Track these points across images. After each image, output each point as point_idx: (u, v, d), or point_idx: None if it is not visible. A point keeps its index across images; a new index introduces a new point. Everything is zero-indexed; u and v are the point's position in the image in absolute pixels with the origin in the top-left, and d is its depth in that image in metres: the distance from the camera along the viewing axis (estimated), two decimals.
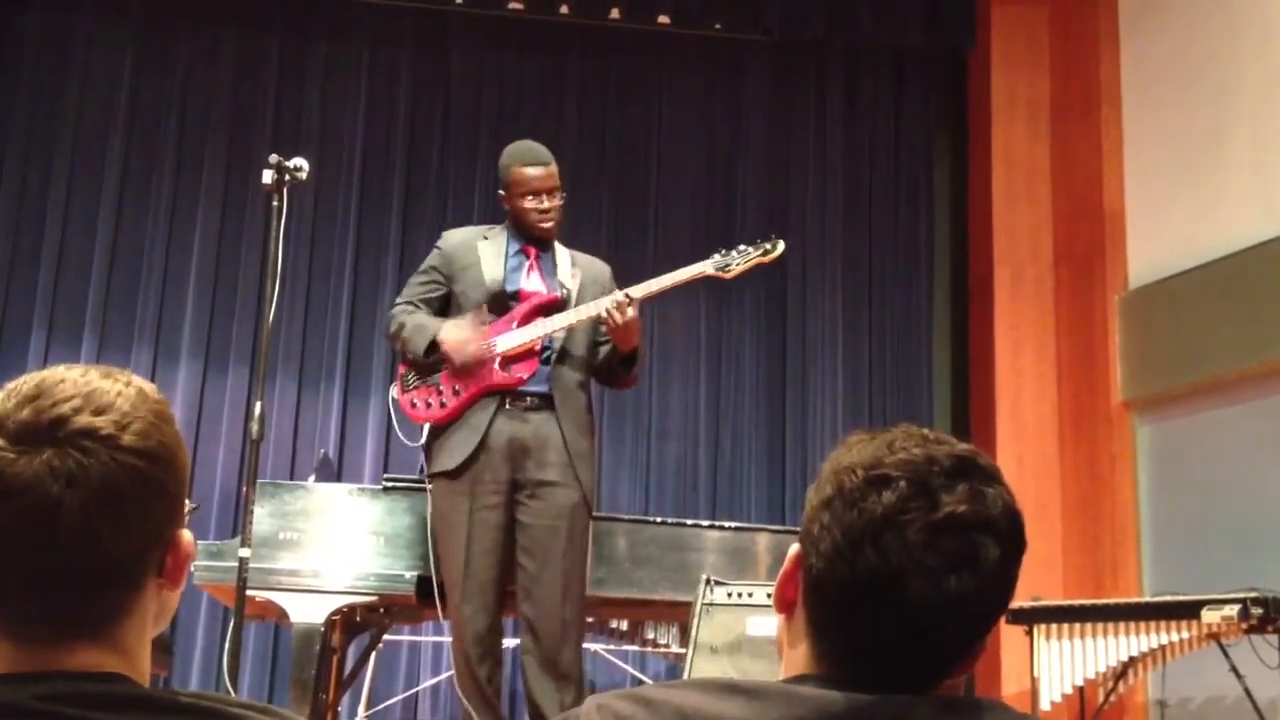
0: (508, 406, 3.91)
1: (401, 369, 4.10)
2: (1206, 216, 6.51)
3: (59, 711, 1.04)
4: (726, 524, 5.19)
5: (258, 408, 3.78)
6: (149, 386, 1.17)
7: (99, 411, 1.11)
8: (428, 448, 4.00)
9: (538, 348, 3.95)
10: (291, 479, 6.48)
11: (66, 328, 7.18)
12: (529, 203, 4.05)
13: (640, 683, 6.42)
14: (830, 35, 7.94)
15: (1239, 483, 6.19)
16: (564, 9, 7.70)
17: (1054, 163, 7.63)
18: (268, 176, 3.85)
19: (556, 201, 4.08)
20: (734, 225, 7.86)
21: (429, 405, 3.96)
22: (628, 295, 3.88)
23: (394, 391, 4.08)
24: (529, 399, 3.92)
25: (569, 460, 3.90)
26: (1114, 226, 7.07)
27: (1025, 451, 7.28)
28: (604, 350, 4.12)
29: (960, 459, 1.18)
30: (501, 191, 4.13)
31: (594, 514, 4.13)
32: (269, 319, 3.86)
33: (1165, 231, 6.79)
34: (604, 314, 3.89)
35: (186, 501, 1.19)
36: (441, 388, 3.95)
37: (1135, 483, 6.78)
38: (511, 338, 3.93)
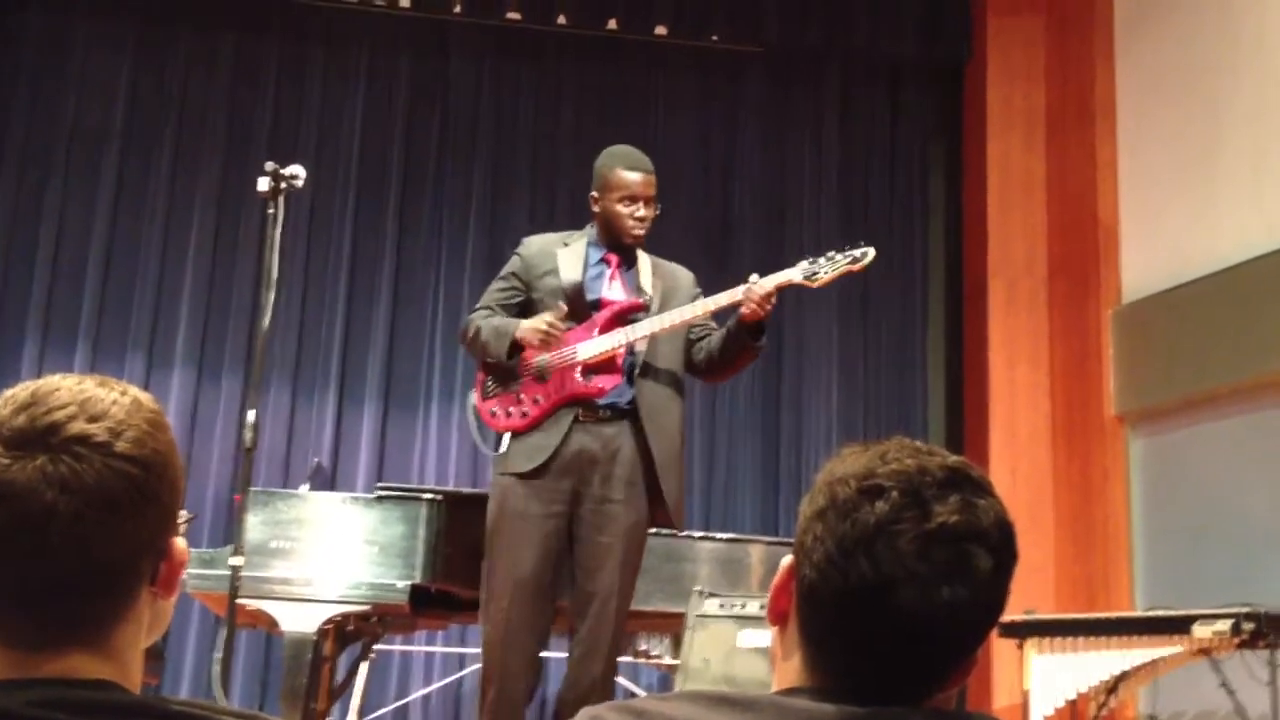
0: (582, 419, 3.84)
1: (481, 375, 3.98)
2: (1201, 230, 6.53)
3: (50, 718, 1.04)
4: (719, 535, 5.20)
5: (251, 416, 3.77)
6: (145, 396, 1.17)
7: (94, 419, 1.11)
8: (505, 451, 3.88)
9: (620, 359, 3.88)
10: (285, 487, 6.47)
11: (60, 334, 7.17)
12: (625, 207, 3.93)
13: (632, 694, 6.41)
14: (827, 46, 7.96)
15: (1231, 497, 6.20)
16: (561, 19, 7.72)
17: (1049, 175, 7.64)
18: (264, 184, 3.85)
19: (651, 212, 3.99)
20: (730, 235, 7.88)
21: (509, 414, 3.86)
22: (767, 291, 3.76)
23: (473, 398, 3.98)
24: (604, 411, 3.84)
25: (638, 477, 3.83)
26: (1108, 239, 7.08)
27: (1018, 463, 7.29)
28: (711, 342, 3.99)
29: (952, 470, 1.18)
30: (595, 193, 3.99)
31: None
32: (264, 327, 3.85)
33: (1159, 245, 6.80)
34: (745, 298, 3.77)
35: (183, 512, 1.19)
36: (522, 396, 3.86)
37: (1128, 495, 6.79)
38: (593, 345, 3.83)
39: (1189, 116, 6.68)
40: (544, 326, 3.79)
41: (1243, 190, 6.31)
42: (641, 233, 3.96)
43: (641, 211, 3.94)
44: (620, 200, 3.93)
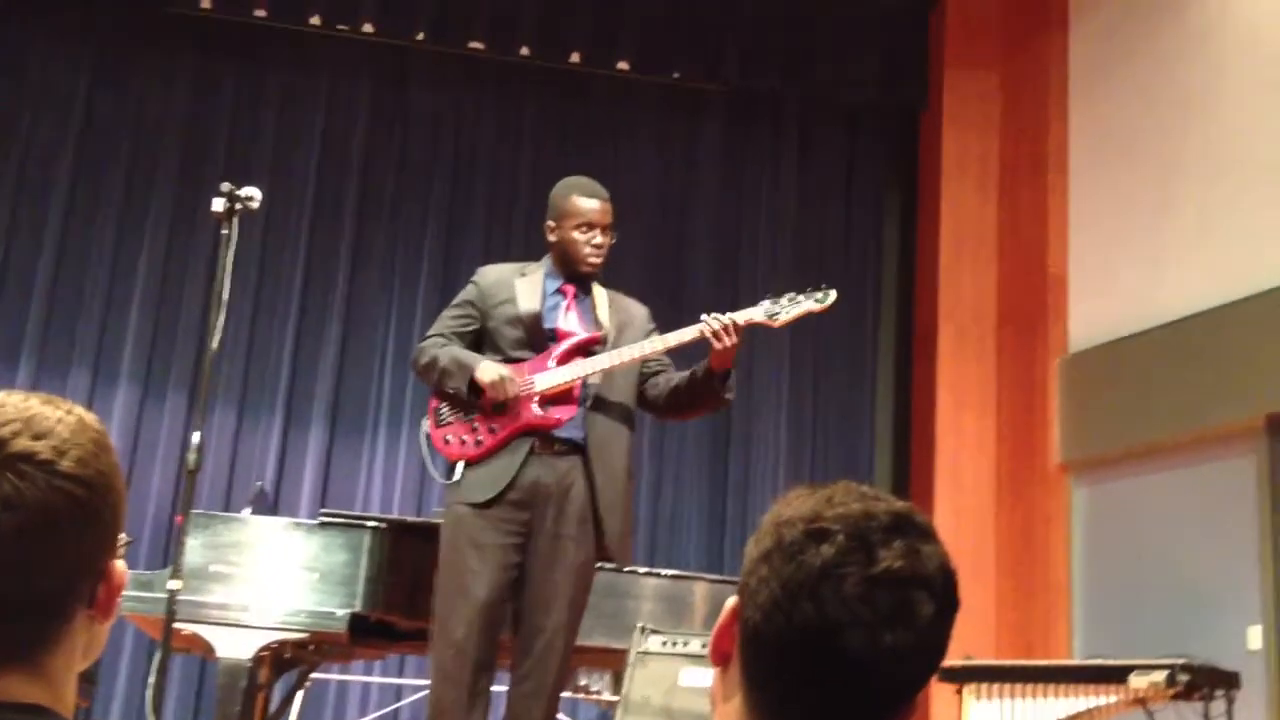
0: (538, 450, 3.81)
1: (434, 402, 3.95)
2: (1147, 284, 6.63)
3: None
4: (664, 571, 5.18)
5: (196, 437, 3.72)
6: (89, 416, 1.16)
7: (38, 436, 1.10)
8: (459, 480, 3.84)
9: (577, 391, 3.84)
10: (226, 510, 6.40)
11: (4, 347, 7.08)
12: (582, 234, 3.91)
13: None
14: (786, 89, 8.05)
15: (1170, 549, 6.27)
16: (524, 50, 7.74)
17: (1001, 224, 7.74)
18: (218, 204, 3.81)
19: (610, 239, 3.98)
20: (685, 272, 7.91)
21: (463, 442, 3.82)
22: (733, 321, 3.76)
23: (426, 426, 3.94)
24: (559, 444, 3.81)
25: (589, 513, 3.81)
26: (1057, 290, 7.17)
27: (963, 508, 7.34)
28: (669, 379, 3.96)
29: (898, 515, 1.19)
30: (551, 223, 3.97)
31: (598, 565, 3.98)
32: (212, 348, 3.81)
33: (1107, 297, 6.90)
34: (709, 335, 3.76)
35: (121, 535, 1.17)
36: (476, 424, 3.82)
37: (1069, 544, 6.85)
38: (550, 377, 3.79)
39: (1139, 172, 6.79)
40: (504, 383, 3.75)
41: (1189, 246, 6.41)
42: (598, 260, 3.95)
43: (598, 239, 3.92)
44: (577, 228, 3.92)
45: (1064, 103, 7.40)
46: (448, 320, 4.00)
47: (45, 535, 1.08)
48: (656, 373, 4.00)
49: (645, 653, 4.16)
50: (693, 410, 4.05)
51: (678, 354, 3.95)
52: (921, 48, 8.19)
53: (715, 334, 3.72)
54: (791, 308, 3.84)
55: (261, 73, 7.69)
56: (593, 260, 3.93)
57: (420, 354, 3.95)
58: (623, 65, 7.86)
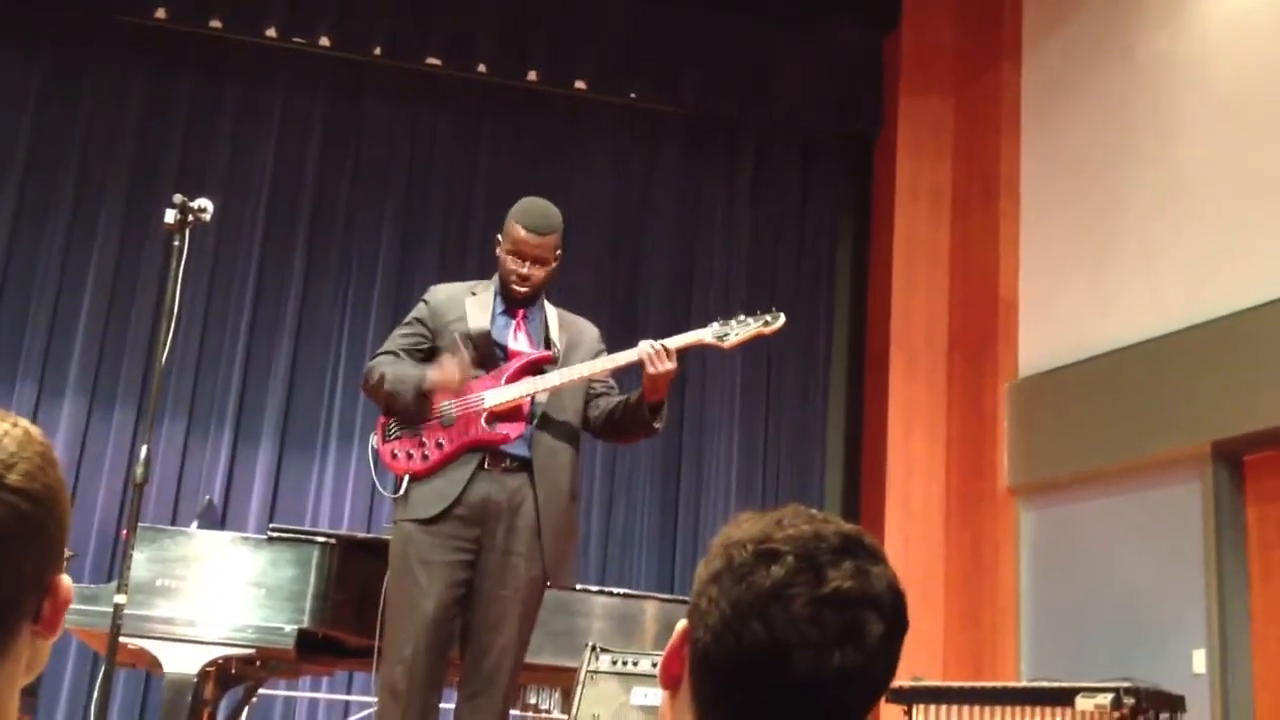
0: (486, 466, 3.80)
1: (383, 419, 3.93)
2: (1096, 311, 6.71)
3: None
4: (614, 590, 5.18)
5: (143, 451, 3.68)
6: (35, 429, 1.15)
7: None
8: (405, 494, 3.83)
9: (526, 409, 3.83)
10: (173, 524, 6.33)
11: None
12: (510, 262, 3.92)
13: None
14: (743, 113, 8.09)
15: (1116, 573, 6.34)
16: (481, 67, 7.75)
17: (953, 250, 7.82)
18: (170, 216, 3.78)
19: (537, 272, 3.93)
20: (639, 293, 7.93)
21: (410, 456, 3.81)
22: (665, 347, 3.77)
23: (374, 441, 3.91)
24: (508, 461, 3.79)
25: (537, 530, 3.81)
26: (1007, 315, 7.25)
27: (912, 531, 7.39)
28: (609, 401, 3.96)
29: (847, 537, 1.20)
30: (499, 237, 3.96)
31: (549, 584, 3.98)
32: (161, 360, 3.77)
33: (1056, 323, 6.98)
34: (643, 359, 3.76)
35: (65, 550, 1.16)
36: (425, 439, 3.80)
37: (1016, 567, 6.90)
38: (500, 393, 3.78)
39: (1089, 201, 6.88)
40: (447, 368, 3.75)
41: (1136, 275, 6.50)
42: (523, 290, 3.92)
43: (525, 269, 3.91)
44: (508, 253, 3.92)
45: (1016, 131, 7.49)
46: (398, 339, 3.99)
47: None
48: (600, 394, 4.00)
49: (595, 671, 4.15)
50: (624, 436, 4.05)
51: (624, 376, 3.95)
52: (876, 76, 8.28)
53: (649, 358, 3.73)
54: (740, 329, 3.86)
55: (216, 84, 7.64)
56: (515, 288, 3.91)
57: (369, 373, 3.93)
58: (580, 85, 7.88)
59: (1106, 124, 6.86)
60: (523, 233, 3.91)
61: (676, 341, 3.82)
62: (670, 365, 3.77)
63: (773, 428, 7.95)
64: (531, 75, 7.82)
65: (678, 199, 8.14)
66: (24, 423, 1.14)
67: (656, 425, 3.91)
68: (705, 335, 3.87)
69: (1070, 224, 7.00)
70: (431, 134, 7.88)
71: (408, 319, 4.03)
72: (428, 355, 3.93)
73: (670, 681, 1.24)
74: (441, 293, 4.03)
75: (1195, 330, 6.05)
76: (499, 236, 3.97)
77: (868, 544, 1.21)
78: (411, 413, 3.80)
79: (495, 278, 4.03)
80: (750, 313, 3.92)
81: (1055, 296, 7.02)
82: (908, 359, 7.71)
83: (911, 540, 7.34)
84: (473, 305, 3.94)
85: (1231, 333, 5.84)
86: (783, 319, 3.88)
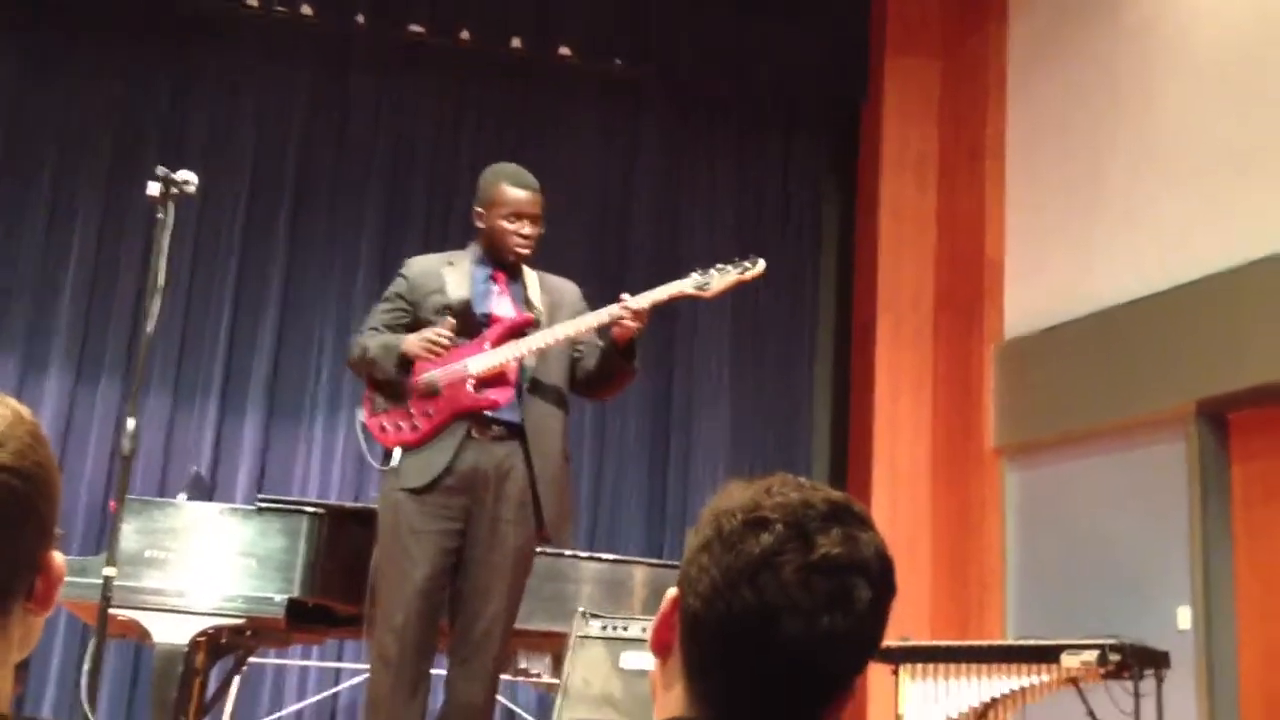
0: (474, 434, 3.81)
1: (369, 391, 3.94)
2: (1081, 272, 6.73)
3: None
4: (604, 556, 5.20)
5: (131, 423, 3.68)
6: (24, 409, 1.15)
7: None
8: (395, 466, 3.82)
9: (512, 374, 3.83)
10: (161, 496, 6.33)
11: None
12: (510, 224, 3.90)
13: (512, 714, 6.39)
14: (728, 78, 8.06)
15: (1102, 531, 6.38)
16: (465, 34, 7.69)
17: (940, 213, 7.82)
18: (153, 188, 3.76)
19: (539, 230, 3.97)
20: (625, 259, 7.92)
21: (399, 428, 3.81)
22: (642, 305, 3.78)
23: (362, 415, 3.90)
24: (496, 427, 3.80)
25: (529, 497, 3.81)
26: (993, 277, 7.26)
27: (899, 492, 7.43)
28: (587, 362, 3.99)
29: (835, 504, 1.21)
30: (479, 209, 3.95)
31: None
32: (148, 333, 3.76)
33: (1042, 285, 6.99)
34: (615, 314, 3.77)
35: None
36: (412, 410, 3.80)
37: (1003, 527, 6.95)
38: (484, 359, 3.79)
39: (1074, 163, 6.89)
40: (431, 337, 3.77)
41: (1120, 236, 6.52)
42: (526, 251, 3.95)
43: (527, 229, 3.92)
44: (506, 217, 3.91)
45: (1002, 94, 7.48)
46: (379, 315, 3.99)
47: None
48: (585, 355, 4.02)
49: (585, 636, 4.18)
50: (606, 385, 4.08)
51: (606, 333, 3.97)
52: (862, 39, 8.24)
53: (631, 316, 3.75)
54: (721, 277, 3.88)
55: (198, 55, 7.58)
56: (520, 250, 3.93)
57: (353, 347, 3.95)
58: (564, 51, 7.84)
59: (1092, 87, 6.86)
60: (521, 193, 3.93)
61: (658, 294, 3.84)
62: (642, 324, 3.79)
63: (760, 392, 7.97)
64: (515, 42, 7.77)
65: (663, 165, 8.12)
66: (12, 402, 1.14)
67: (632, 365, 3.94)
68: (686, 286, 3.88)
69: (1056, 186, 7.01)
70: (415, 105, 7.84)
71: (387, 294, 4.03)
72: (410, 329, 3.93)
73: (661, 648, 1.25)
74: (418, 265, 4.03)
75: (1180, 290, 6.07)
76: (479, 209, 3.96)
77: (856, 511, 1.22)
78: (394, 380, 3.81)
79: (471, 247, 4.03)
80: (730, 261, 3.93)
81: (1041, 259, 7.04)
82: (894, 322, 7.73)
83: (899, 501, 7.38)
84: (451, 275, 3.94)
85: (1216, 292, 5.87)
86: (762, 264, 3.89)
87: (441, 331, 3.77)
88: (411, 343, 3.78)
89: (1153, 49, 6.52)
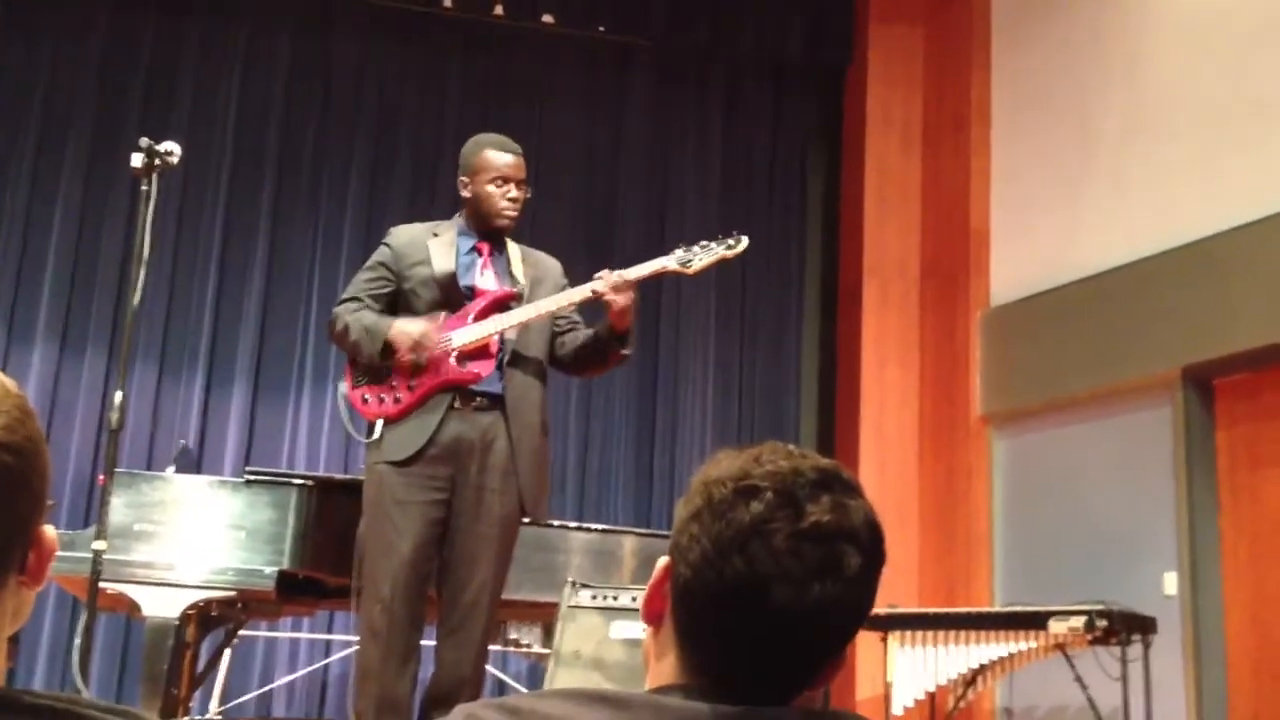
0: (457, 406, 3.81)
1: (351, 363, 3.94)
2: (1066, 239, 6.73)
3: None
4: (593, 526, 5.21)
5: (118, 397, 3.67)
6: (10, 382, 1.14)
7: None
8: (378, 438, 3.83)
9: (494, 347, 3.84)
10: (149, 469, 6.32)
11: None
12: (497, 188, 3.91)
13: (503, 683, 6.41)
14: (712, 43, 8.03)
15: (1087, 498, 6.41)
16: (448, 1, 7.65)
17: (925, 180, 7.81)
18: (137, 160, 3.74)
19: (524, 194, 3.98)
20: (612, 227, 7.90)
21: (381, 400, 3.81)
22: (623, 278, 3.79)
23: (343, 387, 3.90)
24: (479, 399, 3.81)
25: (512, 466, 3.83)
26: (979, 244, 7.26)
27: (886, 460, 7.45)
28: (576, 337, 4.00)
29: (824, 472, 1.22)
30: (464, 178, 3.95)
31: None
32: (133, 305, 3.75)
33: (1028, 252, 7.00)
34: (601, 293, 3.77)
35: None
36: (394, 382, 3.80)
37: (990, 494, 6.98)
38: (468, 332, 3.79)
39: (1060, 129, 6.88)
40: (418, 337, 3.76)
41: (1106, 203, 6.52)
42: (514, 214, 3.95)
43: (513, 193, 3.94)
44: (491, 181, 3.92)
45: (986, 59, 7.46)
46: (362, 283, 3.98)
47: None
48: (566, 330, 4.03)
49: (576, 606, 4.19)
50: (596, 367, 4.09)
51: (588, 309, 3.97)
52: (847, 4, 8.22)
53: (611, 290, 3.76)
54: (704, 255, 3.89)
55: (179, 23, 7.52)
56: (508, 214, 3.94)
57: (335, 320, 3.93)
58: (547, 18, 7.80)
59: (1077, 51, 6.84)
60: (505, 157, 3.94)
61: (640, 270, 3.85)
62: (631, 296, 3.79)
63: (747, 360, 7.97)
64: (498, 9, 7.73)
65: (648, 132, 8.09)
66: (0, 376, 1.14)
67: (626, 352, 3.95)
68: (669, 262, 3.90)
69: (1041, 152, 7.00)
70: (400, 73, 7.79)
71: (370, 263, 4.02)
72: (391, 299, 3.93)
73: (653, 617, 1.26)
74: (403, 235, 4.03)
75: (1166, 256, 6.08)
76: (464, 178, 3.97)
77: (845, 478, 1.22)
78: (376, 365, 3.82)
79: (457, 218, 4.03)
80: (713, 238, 3.94)
81: (1027, 225, 7.04)
82: (880, 289, 7.73)
83: (886, 469, 7.40)
84: (436, 246, 3.94)
85: (1202, 258, 5.88)
86: (745, 242, 3.90)
87: (430, 333, 3.76)
88: (399, 338, 3.77)
89: (1138, 12, 6.50)
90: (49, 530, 1.15)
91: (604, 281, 3.79)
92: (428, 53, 7.83)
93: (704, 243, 3.92)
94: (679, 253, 3.91)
